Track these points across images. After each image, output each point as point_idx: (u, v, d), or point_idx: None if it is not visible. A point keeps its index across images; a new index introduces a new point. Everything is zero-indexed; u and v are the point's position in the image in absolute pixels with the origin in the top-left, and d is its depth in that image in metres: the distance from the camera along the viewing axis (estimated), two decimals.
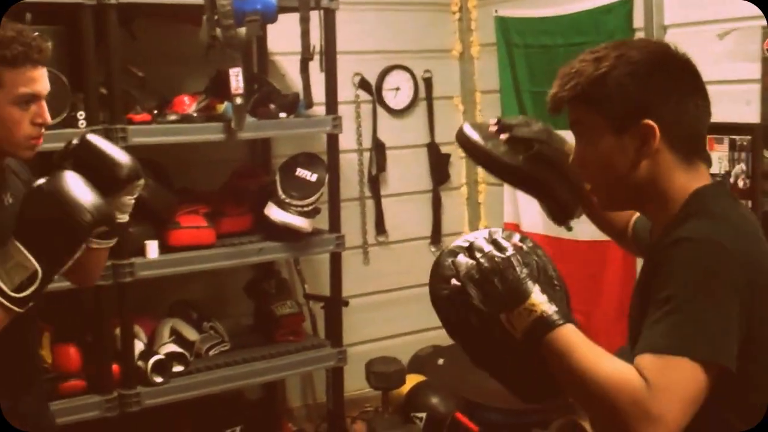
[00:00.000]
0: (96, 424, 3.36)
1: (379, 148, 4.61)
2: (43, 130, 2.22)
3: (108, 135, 3.23)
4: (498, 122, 2.23)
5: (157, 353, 3.54)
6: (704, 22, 3.64)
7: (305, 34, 3.69)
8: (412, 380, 4.27)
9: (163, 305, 3.87)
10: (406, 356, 4.53)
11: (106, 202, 2.11)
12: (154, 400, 3.48)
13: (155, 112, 3.53)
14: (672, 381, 1.58)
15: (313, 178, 3.85)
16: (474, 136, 2.23)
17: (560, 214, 2.27)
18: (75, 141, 2.28)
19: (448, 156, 4.83)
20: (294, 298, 4.12)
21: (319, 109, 3.91)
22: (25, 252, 2.03)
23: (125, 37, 3.49)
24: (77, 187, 2.07)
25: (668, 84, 1.76)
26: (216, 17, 3.35)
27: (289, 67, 4.12)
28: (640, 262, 4.01)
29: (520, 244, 1.76)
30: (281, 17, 3.61)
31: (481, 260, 1.70)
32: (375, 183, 4.63)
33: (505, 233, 1.77)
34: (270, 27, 3.75)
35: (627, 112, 1.74)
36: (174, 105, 3.58)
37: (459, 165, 4.91)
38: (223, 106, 3.56)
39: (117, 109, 3.34)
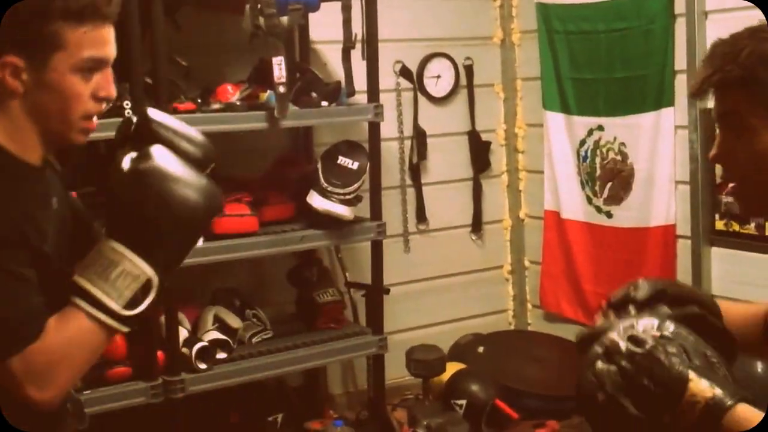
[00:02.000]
0: (141, 410, 3.40)
1: (419, 136, 4.62)
2: (103, 107, 1.79)
3: None
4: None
5: (201, 340, 3.57)
6: (746, 8, 3.59)
7: (347, 23, 3.71)
8: (453, 368, 4.28)
9: (207, 293, 3.90)
10: (447, 344, 4.54)
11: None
12: (198, 386, 3.51)
13: (199, 101, 3.55)
14: None
15: (355, 166, 3.86)
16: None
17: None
18: (133, 118, 1.88)
19: (488, 144, 4.83)
20: (335, 285, 4.14)
21: (361, 98, 3.92)
22: (132, 256, 1.69)
23: (169, 27, 3.51)
24: (184, 167, 1.76)
25: None
26: (259, 6, 3.38)
27: (331, 55, 4.14)
28: (681, 251, 4.01)
29: (658, 332, 1.51)
30: (323, 6, 3.63)
31: (623, 363, 1.47)
32: (416, 171, 4.64)
33: (641, 324, 1.53)
34: (312, 15, 3.77)
35: None
36: (217, 94, 3.60)
37: (499, 152, 4.90)
38: (266, 95, 3.57)
39: (162, 98, 3.36)
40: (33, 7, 1.68)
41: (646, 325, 1.52)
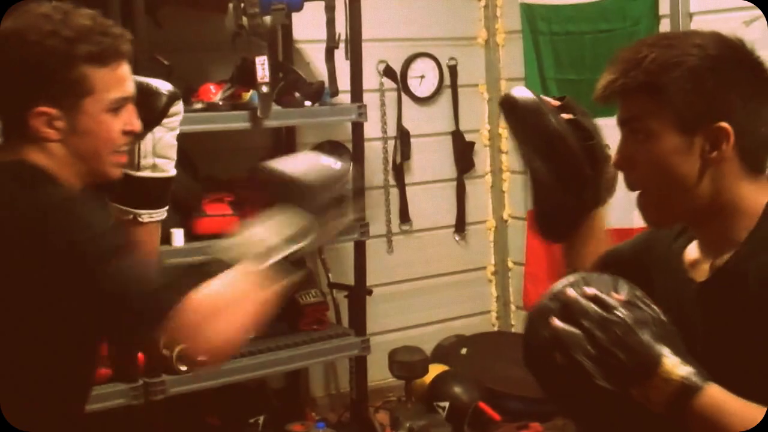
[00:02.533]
0: (122, 412, 3.37)
1: (403, 137, 4.60)
2: (129, 140, 1.86)
3: None
4: (563, 99, 1.89)
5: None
6: (730, 9, 3.62)
7: (330, 23, 3.70)
8: (435, 370, 4.27)
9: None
10: (430, 346, 4.53)
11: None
12: (179, 388, 3.49)
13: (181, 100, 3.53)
14: None
15: (338, 166, 3.84)
16: (531, 99, 1.87)
17: (557, 224, 1.98)
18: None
19: (472, 144, 4.82)
20: (318, 287, 4.13)
21: (344, 97, 3.90)
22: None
23: (151, 26, 3.49)
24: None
25: (749, 87, 1.57)
26: (242, 6, 3.36)
27: (315, 55, 4.12)
28: None
29: (622, 296, 1.48)
30: (306, 5, 3.63)
31: (593, 329, 1.43)
32: (399, 171, 4.62)
33: (597, 280, 1.49)
34: (295, 15, 3.76)
35: (702, 110, 1.54)
36: (200, 93, 3.58)
37: (483, 153, 4.89)
38: (249, 95, 3.55)
39: None
40: (56, 55, 1.72)
41: (601, 283, 1.49)
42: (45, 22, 1.73)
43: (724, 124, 1.54)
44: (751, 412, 1.42)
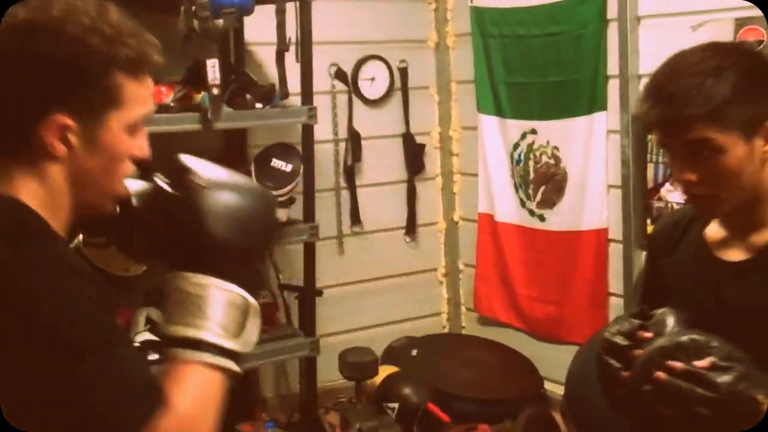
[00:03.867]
0: None
1: (354, 138, 4.62)
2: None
3: None
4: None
5: (133, 341, 3.54)
6: (678, 14, 3.67)
7: (281, 26, 3.70)
8: (386, 371, 4.28)
9: (139, 294, 3.86)
10: (380, 347, 4.54)
11: None
12: None
13: None
14: None
15: (288, 168, 3.86)
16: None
17: None
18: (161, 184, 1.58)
19: (423, 146, 4.85)
20: (268, 287, 4.13)
21: (295, 100, 3.91)
22: (222, 283, 1.45)
23: None
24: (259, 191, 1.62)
25: None
26: (193, 9, 3.36)
27: (266, 57, 4.12)
28: (613, 255, 4.06)
29: (705, 362, 1.64)
30: (257, 8, 3.62)
31: (707, 393, 1.61)
32: (350, 173, 4.64)
33: (677, 348, 1.67)
34: (247, 18, 3.74)
35: (755, 114, 1.73)
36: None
37: (434, 155, 4.92)
38: (200, 96, 3.56)
39: None
40: (96, 56, 1.42)
41: (692, 343, 1.66)
42: (82, 14, 1.43)
43: None
44: None
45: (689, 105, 1.69)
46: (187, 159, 1.57)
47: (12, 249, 1.35)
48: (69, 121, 1.42)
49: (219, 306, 1.42)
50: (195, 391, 1.40)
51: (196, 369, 1.41)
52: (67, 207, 1.48)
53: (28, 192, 1.43)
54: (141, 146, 1.53)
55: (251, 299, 1.47)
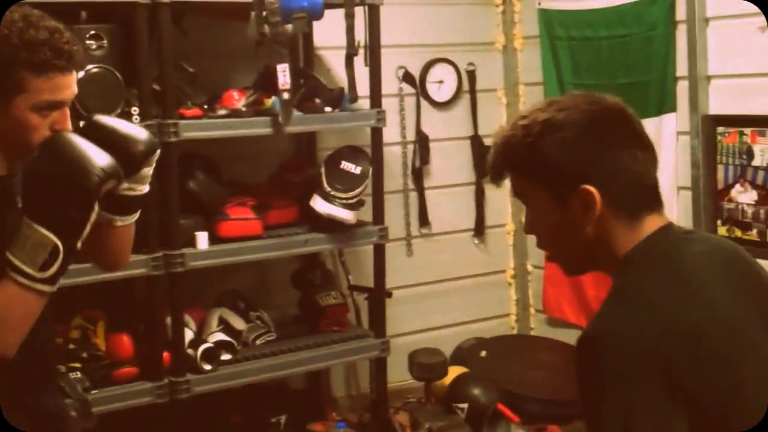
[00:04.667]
0: (147, 410, 3.44)
1: (422, 141, 4.65)
2: None
3: (160, 130, 3.34)
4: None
5: (206, 342, 3.61)
6: (746, 15, 3.65)
7: (350, 30, 3.75)
8: (455, 371, 4.31)
9: (212, 295, 3.95)
10: (449, 348, 4.57)
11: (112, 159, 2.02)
12: (203, 387, 3.55)
13: (205, 107, 3.60)
14: None
15: (358, 170, 3.90)
16: None
17: None
18: (81, 123, 2.15)
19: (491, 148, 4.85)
20: (338, 289, 4.18)
21: (364, 103, 3.96)
22: (39, 228, 1.94)
23: (176, 34, 3.55)
24: (78, 144, 2.00)
25: (599, 144, 1.66)
26: (264, 14, 3.42)
27: (335, 61, 4.18)
28: None
29: None
30: (327, 13, 3.67)
31: None
32: (418, 175, 4.67)
33: None
34: (316, 23, 3.80)
35: (563, 180, 1.65)
36: (223, 100, 3.65)
37: None
38: (271, 101, 3.62)
39: (169, 104, 3.41)
40: (11, 57, 1.96)
41: None
42: (7, 25, 1.98)
43: (587, 187, 1.63)
44: None
45: (497, 158, 1.71)
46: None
47: None
48: None
49: (30, 242, 1.94)
50: (3, 298, 1.95)
51: (9, 284, 1.95)
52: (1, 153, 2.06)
53: None
54: (59, 121, 2.03)
55: (60, 244, 1.95)
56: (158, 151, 2.20)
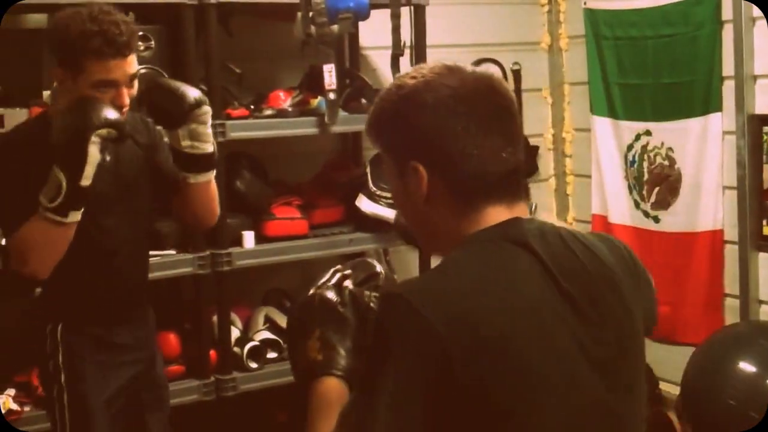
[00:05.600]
0: (194, 407, 3.49)
1: None
2: (123, 111, 2.47)
3: None
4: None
5: (252, 340, 3.65)
6: None
7: (396, 30, 3.77)
8: None
9: (258, 294, 3.98)
10: None
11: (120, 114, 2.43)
12: (249, 385, 3.59)
13: (252, 107, 3.64)
14: None
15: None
16: None
17: None
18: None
19: (536, 148, 4.86)
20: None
21: None
22: (55, 170, 2.37)
23: (223, 35, 3.60)
24: (87, 102, 2.40)
25: (441, 122, 1.54)
26: (310, 15, 3.45)
27: (380, 62, 4.19)
28: (728, 256, 4.03)
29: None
30: (373, 13, 3.69)
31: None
32: None
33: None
34: (362, 23, 3.83)
35: (398, 151, 1.58)
36: (270, 100, 3.68)
37: (547, 157, 4.93)
38: (317, 101, 3.64)
39: (216, 104, 3.41)
40: (70, 44, 2.43)
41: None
42: (75, 17, 2.44)
43: (414, 164, 1.54)
44: (331, 422, 1.48)
45: (371, 112, 1.65)
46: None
47: None
48: (60, 73, 2.49)
49: (50, 181, 2.39)
50: (30, 227, 2.44)
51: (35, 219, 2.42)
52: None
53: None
54: (116, 98, 2.45)
55: (64, 182, 2.37)
56: (207, 109, 2.58)
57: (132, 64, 2.49)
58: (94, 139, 2.37)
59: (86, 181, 2.39)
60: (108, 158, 2.56)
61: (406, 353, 1.38)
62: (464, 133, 1.54)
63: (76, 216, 2.42)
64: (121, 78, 2.46)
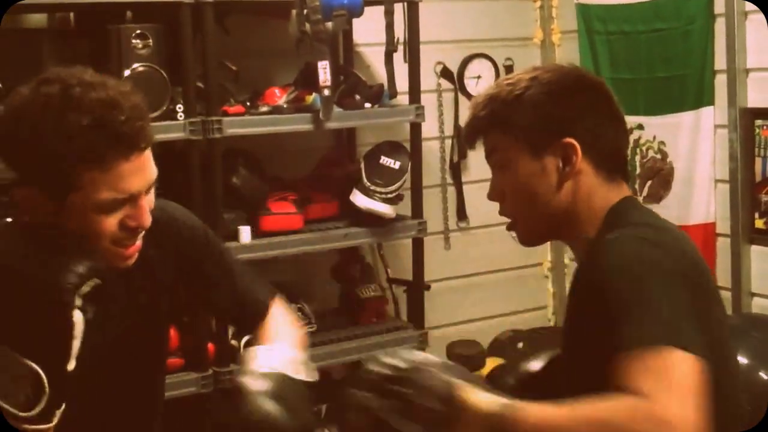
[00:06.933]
0: (192, 400, 3.51)
1: (460, 136, 4.68)
2: (138, 234, 1.70)
3: (204, 126, 3.41)
4: None
5: None
6: None
7: (389, 27, 3.79)
8: (492, 363, 4.35)
9: None
10: (486, 340, 4.60)
11: None
12: None
13: (248, 104, 3.67)
14: (668, 377, 1.41)
15: (397, 165, 3.94)
16: None
17: None
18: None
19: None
20: (377, 281, 4.23)
21: (403, 99, 4.00)
22: (23, 362, 1.56)
23: (219, 33, 3.61)
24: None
25: (584, 103, 1.73)
26: (305, 12, 3.47)
27: (374, 58, 4.22)
28: (720, 249, 4.06)
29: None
30: (366, 10, 3.72)
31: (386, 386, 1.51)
32: (456, 170, 4.70)
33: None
34: (355, 20, 3.86)
35: (545, 131, 1.70)
36: (265, 97, 3.71)
37: None
38: (312, 98, 3.67)
39: (213, 101, 3.48)
40: (51, 148, 1.57)
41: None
42: (43, 104, 1.59)
43: (569, 140, 1.69)
44: (576, 411, 1.42)
45: (480, 111, 1.75)
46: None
47: None
48: (36, 194, 1.63)
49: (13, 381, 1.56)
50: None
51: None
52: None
53: None
54: (133, 217, 1.66)
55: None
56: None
57: (151, 161, 1.68)
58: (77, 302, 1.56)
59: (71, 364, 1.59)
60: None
61: (664, 273, 1.54)
62: (607, 113, 1.74)
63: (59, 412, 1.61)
64: (139, 188, 1.65)
